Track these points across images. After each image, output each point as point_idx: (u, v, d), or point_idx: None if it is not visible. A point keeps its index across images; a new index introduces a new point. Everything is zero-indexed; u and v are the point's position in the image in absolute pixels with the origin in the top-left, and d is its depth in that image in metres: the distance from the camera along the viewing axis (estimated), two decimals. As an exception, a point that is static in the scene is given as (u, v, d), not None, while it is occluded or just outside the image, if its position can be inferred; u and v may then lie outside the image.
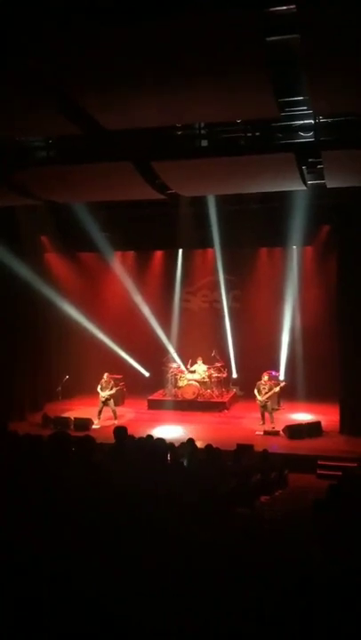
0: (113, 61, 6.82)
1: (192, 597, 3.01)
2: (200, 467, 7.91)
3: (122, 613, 2.89)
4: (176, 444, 8.74)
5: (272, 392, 13.79)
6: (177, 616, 2.86)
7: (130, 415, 15.25)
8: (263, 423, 13.73)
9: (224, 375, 16.23)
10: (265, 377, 14.08)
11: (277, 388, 13.98)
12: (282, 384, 14.34)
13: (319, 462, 11.26)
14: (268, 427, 13.48)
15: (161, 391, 16.48)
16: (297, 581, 3.14)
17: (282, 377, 15.73)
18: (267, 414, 13.73)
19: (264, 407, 13.77)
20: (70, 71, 7.21)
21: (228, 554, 3.70)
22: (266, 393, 13.72)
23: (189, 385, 15.77)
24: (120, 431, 7.38)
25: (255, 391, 13.84)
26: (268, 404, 13.78)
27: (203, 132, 10.09)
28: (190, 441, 8.91)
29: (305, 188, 11.17)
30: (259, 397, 13.74)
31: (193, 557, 3.57)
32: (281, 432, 12.99)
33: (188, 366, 16.34)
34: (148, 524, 4.12)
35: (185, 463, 7.79)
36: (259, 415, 14.02)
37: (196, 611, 2.90)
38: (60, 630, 2.83)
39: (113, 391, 14.34)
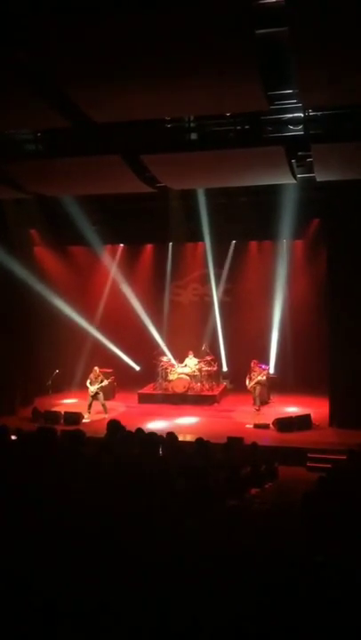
0: (102, 54, 6.78)
1: (183, 588, 3.03)
2: (190, 459, 7.93)
3: (115, 603, 2.91)
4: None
5: (257, 378, 14.37)
6: (170, 606, 2.88)
7: (120, 409, 15.25)
8: (258, 408, 14.26)
9: (214, 369, 16.26)
10: (252, 364, 14.67)
11: (260, 377, 14.40)
12: (264, 375, 14.63)
13: (309, 455, 11.32)
14: (256, 411, 14.04)
15: (151, 385, 16.48)
16: (286, 573, 3.16)
17: (272, 370, 15.83)
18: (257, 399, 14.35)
19: (255, 391, 14.38)
20: (59, 64, 7.16)
21: (217, 545, 3.72)
22: (255, 378, 14.42)
23: (180, 378, 15.79)
24: (113, 424, 7.39)
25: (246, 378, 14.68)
26: (258, 388, 14.33)
27: (192, 125, 10.06)
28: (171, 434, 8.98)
29: (295, 181, 11.18)
30: (248, 383, 14.57)
31: (183, 549, 3.59)
32: (271, 425, 13.05)
33: (177, 363, 16.33)
34: (137, 516, 4.13)
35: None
36: (248, 409, 14.35)
37: (187, 600, 2.92)
38: (58, 619, 2.84)
39: (102, 385, 14.32)
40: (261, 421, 13.33)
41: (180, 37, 6.37)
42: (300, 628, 2.77)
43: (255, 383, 14.45)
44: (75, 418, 13.52)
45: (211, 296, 17.30)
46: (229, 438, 10.96)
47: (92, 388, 14.17)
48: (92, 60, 6.95)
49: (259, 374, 14.49)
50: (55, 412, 14.07)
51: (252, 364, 14.69)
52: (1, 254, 14.09)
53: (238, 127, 9.81)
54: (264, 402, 14.77)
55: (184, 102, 8.35)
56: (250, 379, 14.58)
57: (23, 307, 15.33)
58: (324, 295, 14.02)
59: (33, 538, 3.67)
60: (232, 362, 16.84)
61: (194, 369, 15.99)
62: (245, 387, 14.79)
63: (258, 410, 14.18)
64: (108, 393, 15.38)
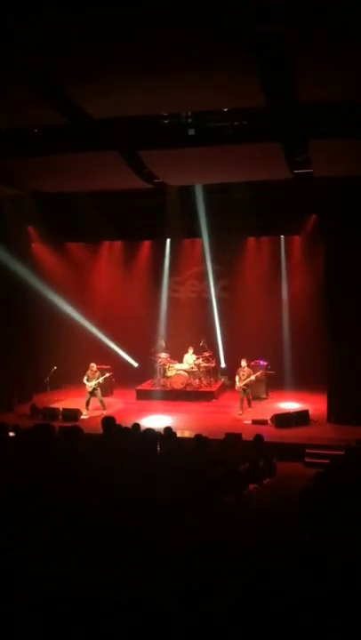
0: (99, 50, 6.77)
1: (181, 584, 3.04)
2: (188, 455, 7.95)
3: (114, 600, 2.91)
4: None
5: (249, 379, 13.98)
6: (166, 599, 2.88)
7: (118, 405, 15.24)
8: (241, 413, 13.86)
9: (212, 365, 16.27)
10: (243, 363, 14.28)
11: (253, 377, 14.11)
12: (258, 373, 14.46)
13: (307, 451, 11.34)
14: (245, 412, 13.73)
15: (150, 381, 16.48)
16: (284, 568, 3.17)
17: (270, 366, 15.80)
18: (245, 400, 13.96)
19: (243, 393, 13.98)
20: (57, 60, 7.14)
21: (216, 541, 3.73)
22: (244, 380, 13.96)
23: (178, 375, 15.79)
24: (108, 421, 7.40)
25: (236, 377, 14.15)
26: (248, 389, 14.01)
27: (190, 120, 10.05)
28: (167, 429, 9.02)
29: (292, 176, 11.17)
30: (237, 383, 14.04)
31: (182, 545, 3.59)
32: (269, 421, 13.06)
33: (174, 361, 16.30)
34: (136, 511, 4.14)
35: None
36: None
37: (185, 595, 2.92)
38: (56, 613, 2.85)
39: (99, 381, 14.31)
40: (260, 417, 13.34)
41: (178, 33, 6.36)
42: (298, 623, 2.77)
43: (245, 385, 13.95)
44: (73, 414, 13.51)
45: (208, 292, 17.30)
46: (228, 435, 10.97)
47: (90, 384, 14.16)
48: (90, 57, 6.94)
49: (249, 375, 14.00)
50: (54, 408, 14.06)
51: (245, 362, 14.33)
52: (-1, 251, 14.08)
53: (236, 123, 9.80)
54: (258, 397, 14.74)
55: (182, 98, 8.34)
56: (240, 379, 14.03)
57: (21, 303, 15.31)
58: (322, 291, 14.01)
59: (30, 535, 3.67)
60: (230, 358, 16.82)
61: (192, 365, 15.99)
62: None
63: (240, 414, 13.73)
64: (107, 389, 15.37)
